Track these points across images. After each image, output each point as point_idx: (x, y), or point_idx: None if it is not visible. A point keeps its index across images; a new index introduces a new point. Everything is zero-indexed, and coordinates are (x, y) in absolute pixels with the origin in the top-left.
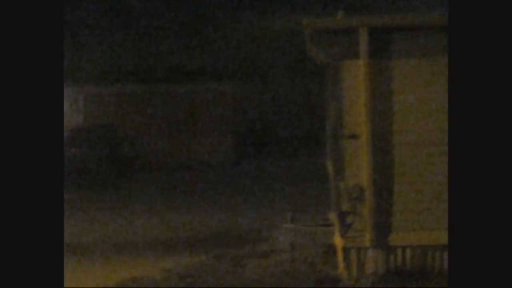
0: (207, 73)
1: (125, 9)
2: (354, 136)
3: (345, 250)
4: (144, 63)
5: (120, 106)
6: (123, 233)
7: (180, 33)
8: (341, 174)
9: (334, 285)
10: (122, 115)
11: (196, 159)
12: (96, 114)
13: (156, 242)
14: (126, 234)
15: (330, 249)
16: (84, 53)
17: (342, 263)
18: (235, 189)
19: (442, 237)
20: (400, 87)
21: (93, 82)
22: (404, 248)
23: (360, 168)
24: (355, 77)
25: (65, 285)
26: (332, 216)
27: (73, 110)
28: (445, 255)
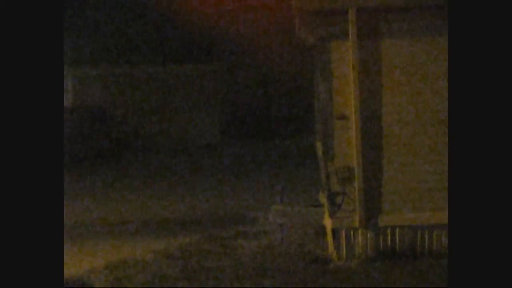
0: (195, 52)
1: None
2: (343, 117)
3: (335, 231)
4: (131, 44)
5: (107, 87)
6: (113, 216)
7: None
8: (330, 155)
9: (324, 266)
10: (110, 97)
11: (184, 141)
12: (84, 95)
13: (146, 225)
14: (116, 217)
15: (320, 230)
16: (72, 35)
17: (332, 244)
18: (224, 171)
19: (432, 217)
20: (389, 68)
21: (80, 63)
22: (393, 229)
23: (349, 149)
24: (344, 58)
25: None
26: (322, 197)
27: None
28: (435, 235)
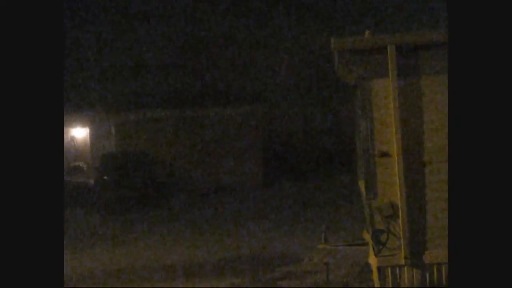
0: (236, 95)
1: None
2: (385, 154)
3: (380, 269)
4: (172, 88)
5: (150, 131)
6: (156, 257)
7: (207, 56)
8: (373, 193)
9: None
10: (153, 140)
11: (228, 182)
12: (127, 140)
13: (189, 265)
14: (160, 258)
15: (365, 269)
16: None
17: (377, 282)
18: (268, 211)
19: None
20: (429, 104)
21: (122, 108)
22: (439, 265)
23: (392, 186)
24: (384, 95)
25: None
26: (366, 235)
27: (104, 137)
28: None
